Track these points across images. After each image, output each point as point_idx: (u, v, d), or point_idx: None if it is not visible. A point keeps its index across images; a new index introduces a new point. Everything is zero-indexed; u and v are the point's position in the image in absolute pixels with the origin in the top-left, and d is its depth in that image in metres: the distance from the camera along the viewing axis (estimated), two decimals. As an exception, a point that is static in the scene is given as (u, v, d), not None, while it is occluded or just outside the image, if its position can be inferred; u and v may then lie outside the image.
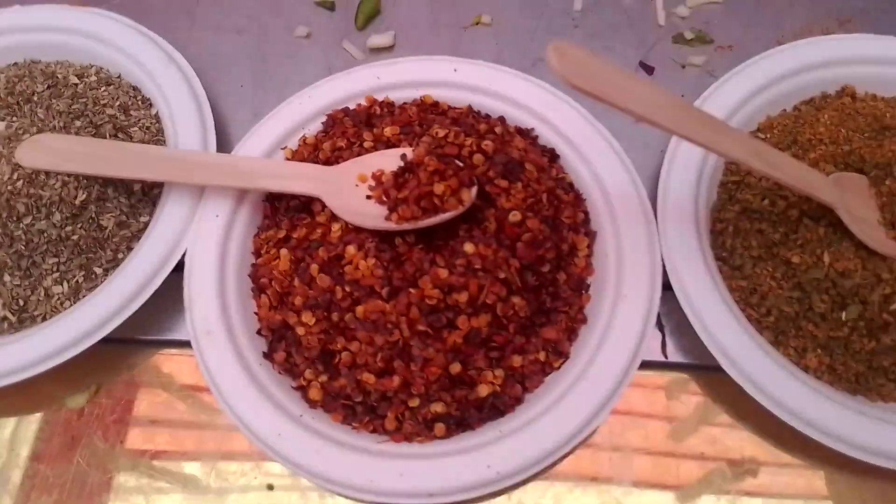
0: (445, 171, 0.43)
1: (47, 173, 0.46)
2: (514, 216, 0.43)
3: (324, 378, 0.42)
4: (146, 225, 0.48)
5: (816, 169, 0.45)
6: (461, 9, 0.59)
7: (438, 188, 0.43)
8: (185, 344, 0.46)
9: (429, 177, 0.43)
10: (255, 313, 0.45)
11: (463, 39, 0.58)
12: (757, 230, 0.46)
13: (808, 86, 0.52)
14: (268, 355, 0.44)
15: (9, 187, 0.45)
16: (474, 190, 0.44)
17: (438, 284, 0.41)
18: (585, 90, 0.34)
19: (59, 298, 0.45)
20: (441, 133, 0.46)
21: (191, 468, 0.43)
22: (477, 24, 0.58)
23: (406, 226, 0.43)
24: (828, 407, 0.41)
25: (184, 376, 0.46)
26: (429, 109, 0.50)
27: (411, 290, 0.41)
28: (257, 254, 0.47)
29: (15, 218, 0.45)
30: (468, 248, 0.42)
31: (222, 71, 0.56)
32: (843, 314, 0.43)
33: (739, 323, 0.43)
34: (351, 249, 0.43)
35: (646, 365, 0.45)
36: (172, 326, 0.47)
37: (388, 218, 0.43)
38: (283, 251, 0.45)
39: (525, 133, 0.50)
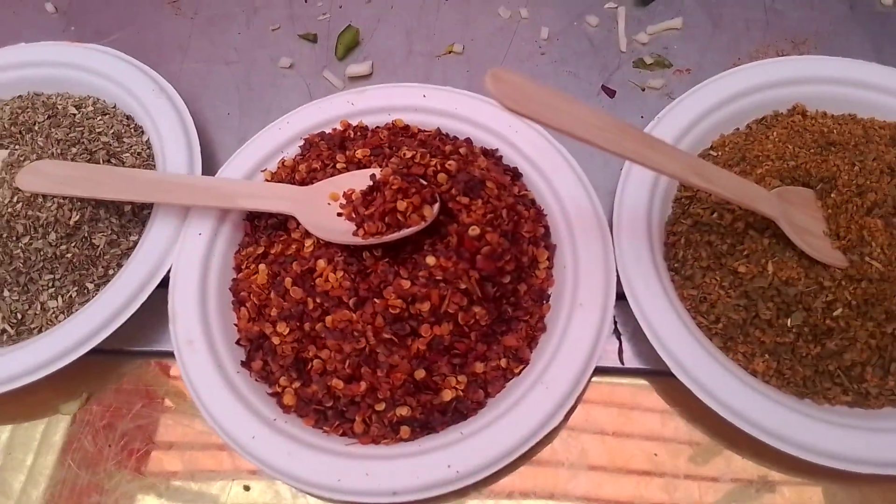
0: (409, 189, 0.46)
1: (44, 196, 0.50)
2: (474, 230, 0.46)
3: (297, 384, 0.45)
4: (135, 243, 0.51)
5: (763, 184, 0.48)
6: (434, 39, 0.63)
7: (401, 205, 0.46)
8: (170, 354, 0.49)
9: (393, 194, 0.46)
10: (235, 325, 0.48)
11: (436, 67, 0.61)
12: (706, 242, 0.48)
13: (761, 105, 0.55)
14: (245, 364, 0.47)
15: (9, 209, 0.49)
16: (436, 207, 0.47)
17: (402, 295, 0.44)
18: (520, 113, 0.37)
19: (54, 312, 0.49)
20: (409, 154, 0.50)
21: (173, 468, 0.45)
22: (449, 52, 0.62)
23: (371, 240, 0.46)
24: (776, 410, 0.43)
25: (168, 384, 0.49)
26: (399, 132, 0.54)
27: (376, 300, 0.44)
28: (238, 269, 0.50)
29: (14, 238, 0.49)
30: (430, 260, 0.45)
31: (211, 100, 0.60)
32: (789, 321, 0.45)
33: (689, 330, 0.45)
34: (321, 263, 0.46)
35: (603, 371, 0.48)
36: (158, 338, 0.50)
37: (355, 233, 0.46)
38: (262, 266, 0.48)
39: (490, 153, 0.53)
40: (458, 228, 0.47)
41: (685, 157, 0.44)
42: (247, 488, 0.45)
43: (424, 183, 0.47)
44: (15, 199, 0.50)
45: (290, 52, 0.63)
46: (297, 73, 0.62)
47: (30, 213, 0.49)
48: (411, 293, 0.44)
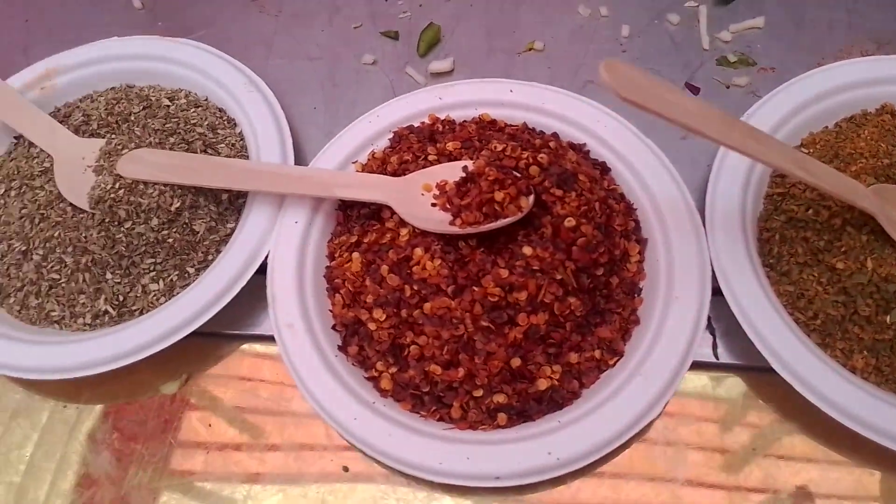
0: (505, 180, 0.47)
1: (145, 183, 0.51)
2: (570, 222, 0.47)
3: (394, 369, 0.46)
4: (232, 230, 0.52)
5: (858, 181, 0.48)
6: (515, 36, 0.63)
7: (499, 195, 0.46)
8: (267, 338, 0.50)
9: (490, 185, 0.47)
10: (330, 311, 0.49)
11: (516, 64, 0.62)
12: (802, 238, 0.48)
13: (848, 104, 0.55)
14: (342, 348, 0.48)
15: (112, 195, 0.51)
16: (531, 198, 0.47)
17: (500, 283, 0.45)
18: (635, 103, 0.38)
19: (155, 295, 0.50)
20: (499, 147, 0.50)
21: (272, 451, 0.46)
22: (530, 50, 0.63)
23: (469, 230, 0.46)
24: (877, 406, 0.43)
25: (265, 367, 0.50)
26: (487, 126, 0.54)
27: (475, 288, 0.45)
28: (331, 257, 0.51)
29: (117, 222, 0.50)
30: (527, 250, 0.46)
31: (297, 95, 0.61)
32: (888, 318, 0.44)
33: (788, 325, 0.45)
34: (418, 251, 0.47)
35: (698, 366, 0.48)
36: (254, 322, 0.51)
37: (452, 223, 0.47)
38: (355, 254, 0.49)
39: (577, 148, 0.54)
40: (553, 220, 0.47)
41: (789, 150, 0.44)
42: (346, 469, 0.45)
43: (518, 175, 0.48)
44: (117, 186, 0.51)
45: (373, 49, 0.64)
46: (380, 69, 0.63)
47: (132, 198, 0.51)
48: (509, 282, 0.45)
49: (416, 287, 0.46)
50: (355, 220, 0.52)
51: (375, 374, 0.46)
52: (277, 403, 0.48)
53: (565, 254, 0.46)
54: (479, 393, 0.44)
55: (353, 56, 0.64)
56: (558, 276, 0.45)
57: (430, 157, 0.52)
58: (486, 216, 0.46)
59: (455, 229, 0.47)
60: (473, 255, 0.46)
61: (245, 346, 0.51)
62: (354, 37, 0.65)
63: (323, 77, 0.63)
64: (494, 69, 0.62)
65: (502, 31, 0.64)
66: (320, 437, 0.47)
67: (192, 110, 0.58)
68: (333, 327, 0.49)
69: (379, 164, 0.53)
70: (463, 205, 0.47)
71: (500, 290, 0.44)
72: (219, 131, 0.57)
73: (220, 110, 0.59)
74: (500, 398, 0.44)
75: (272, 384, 0.49)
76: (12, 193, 0.55)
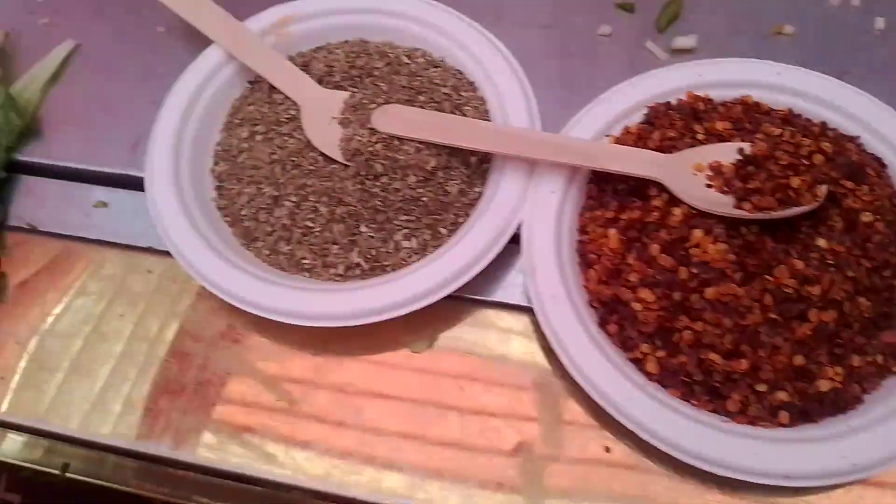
0: (799, 166, 0.45)
1: (400, 139, 0.51)
2: (867, 216, 0.44)
3: (661, 353, 0.44)
4: (479, 195, 0.51)
5: None
6: (760, 18, 0.60)
7: (794, 182, 0.44)
8: (513, 307, 0.49)
9: (782, 170, 0.45)
10: (584, 286, 0.48)
11: (763, 47, 0.59)
12: None
13: None
14: (601, 325, 0.46)
15: (369, 148, 0.50)
16: (826, 187, 0.45)
17: (795, 275, 0.42)
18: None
19: (407, 252, 0.49)
20: (776, 132, 0.48)
21: (528, 428, 0.45)
22: (778, 33, 0.59)
23: (759, 215, 0.44)
24: None
25: (513, 337, 0.49)
26: (751, 108, 0.52)
27: (767, 277, 0.43)
28: (582, 231, 0.50)
29: (372, 176, 0.50)
30: (821, 242, 0.43)
31: (529, 63, 0.59)
32: None
33: None
34: (698, 233, 0.45)
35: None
36: (490, 289, 0.50)
37: (738, 206, 0.45)
38: (612, 231, 0.48)
39: (851, 140, 0.51)
40: (844, 213, 0.44)
41: None
42: (607, 450, 0.44)
43: (807, 162, 0.45)
44: (374, 139, 0.51)
45: (606, 20, 0.62)
46: (615, 41, 0.61)
47: (388, 154, 0.50)
48: (804, 274, 0.42)
49: (694, 270, 0.44)
50: (611, 195, 0.50)
51: (640, 356, 0.45)
52: (529, 374, 0.47)
53: (861, 250, 0.43)
54: (762, 388, 0.42)
55: (586, 27, 0.62)
56: (850, 273, 0.43)
57: (699, 136, 0.49)
58: (781, 202, 0.44)
59: (743, 213, 0.44)
60: (763, 242, 0.44)
61: (490, 312, 0.50)
62: (587, 6, 0.63)
63: (556, 47, 0.61)
64: (739, 50, 0.58)
65: (746, 12, 0.61)
66: (578, 415, 0.45)
67: (432, 69, 0.57)
68: (590, 303, 0.47)
69: (634, 140, 0.51)
70: (750, 189, 0.45)
71: (794, 281, 0.42)
72: (462, 93, 0.55)
73: (458, 72, 0.57)
74: (782, 395, 0.42)
75: (523, 354, 0.48)
76: (258, 138, 0.55)
